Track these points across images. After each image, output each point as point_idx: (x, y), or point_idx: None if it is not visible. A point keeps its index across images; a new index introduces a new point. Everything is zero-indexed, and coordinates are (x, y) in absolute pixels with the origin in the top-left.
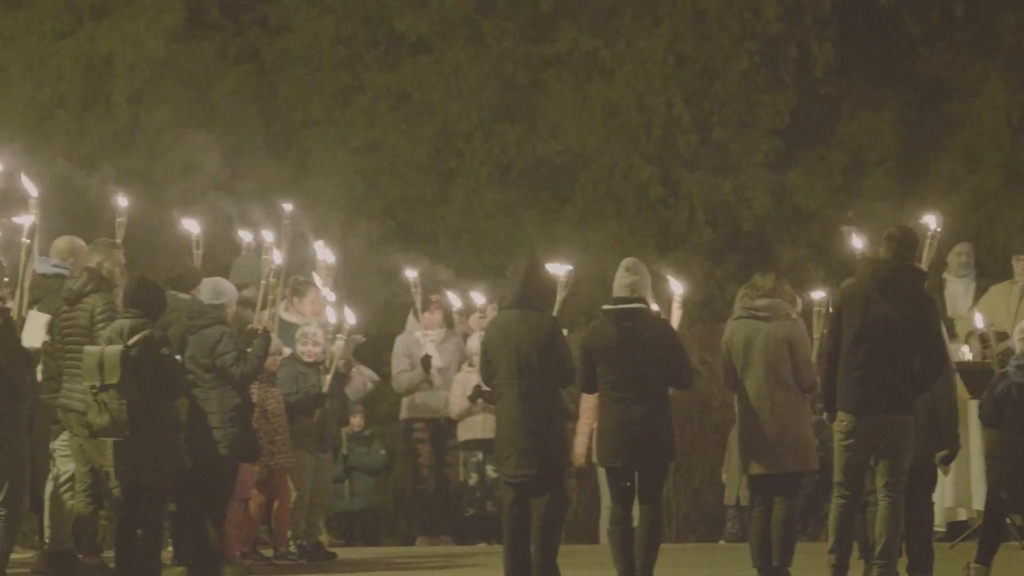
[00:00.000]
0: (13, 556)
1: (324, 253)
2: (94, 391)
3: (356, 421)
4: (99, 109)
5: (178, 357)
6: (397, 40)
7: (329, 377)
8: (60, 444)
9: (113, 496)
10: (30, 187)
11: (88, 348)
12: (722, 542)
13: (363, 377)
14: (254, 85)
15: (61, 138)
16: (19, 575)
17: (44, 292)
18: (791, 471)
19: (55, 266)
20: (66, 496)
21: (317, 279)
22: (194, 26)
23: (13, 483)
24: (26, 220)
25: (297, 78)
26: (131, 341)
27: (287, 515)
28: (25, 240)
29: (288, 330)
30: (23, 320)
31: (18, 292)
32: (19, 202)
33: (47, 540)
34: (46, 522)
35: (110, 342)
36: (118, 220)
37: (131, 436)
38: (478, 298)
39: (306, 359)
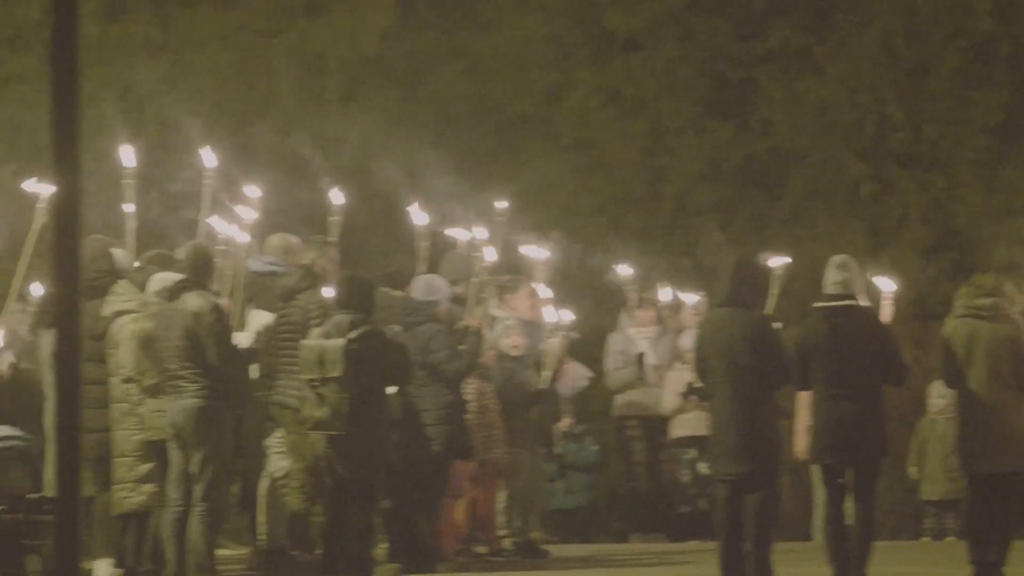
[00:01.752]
0: (227, 553)
1: (536, 251)
2: (314, 384)
3: (567, 420)
4: (311, 106)
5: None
6: (607, 37)
7: (546, 374)
8: (275, 441)
9: (326, 492)
10: (250, 189)
11: (306, 342)
12: (925, 539)
13: (576, 374)
14: (465, 83)
15: (273, 136)
16: (233, 572)
17: (258, 290)
18: (1014, 470)
19: (269, 264)
20: (281, 493)
21: (529, 277)
22: (406, 24)
23: (215, 478)
24: (245, 217)
25: (507, 76)
26: (353, 335)
27: (494, 512)
28: (242, 238)
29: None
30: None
31: (233, 290)
32: (235, 201)
33: (261, 537)
34: (260, 519)
35: (328, 337)
36: (331, 218)
37: (347, 431)
38: (689, 296)
39: (512, 353)
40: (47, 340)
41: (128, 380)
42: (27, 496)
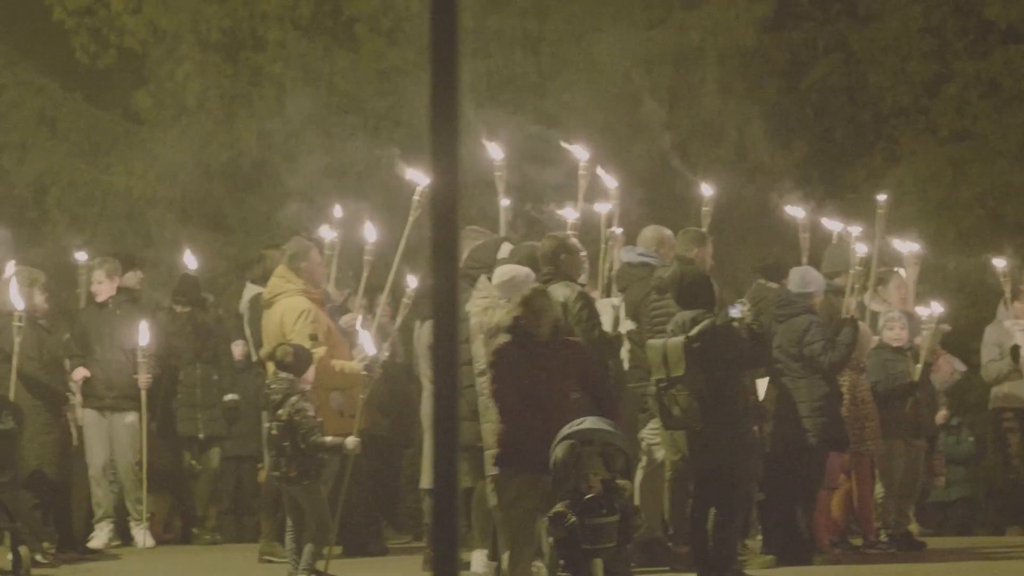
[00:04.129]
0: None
1: (908, 244)
2: (661, 385)
3: (942, 412)
4: (688, 98)
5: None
6: (987, 28)
7: (919, 366)
8: (649, 433)
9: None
10: (607, 179)
11: (651, 341)
12: None
13: (949, 367)
14: (843, 75)
15: (651, 127)
16: None
17: (630, 281)
18: None
19: (641, 255)
20: (656, 484)
21: (901, 269)
22: (784, 16)
23: None
24: (603, 208)
25: (886, 67)
26: (693, 332)
27: (870, 504)
28: (610, 230)
29: (874, 319)
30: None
31: (600, 280)
32: (600, 192)
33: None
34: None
35: (672, 334)
36: (704, 209)
37: (702, 426)
38: None
39: (893, 344)
40: (424, 331)
41: (482, 373)
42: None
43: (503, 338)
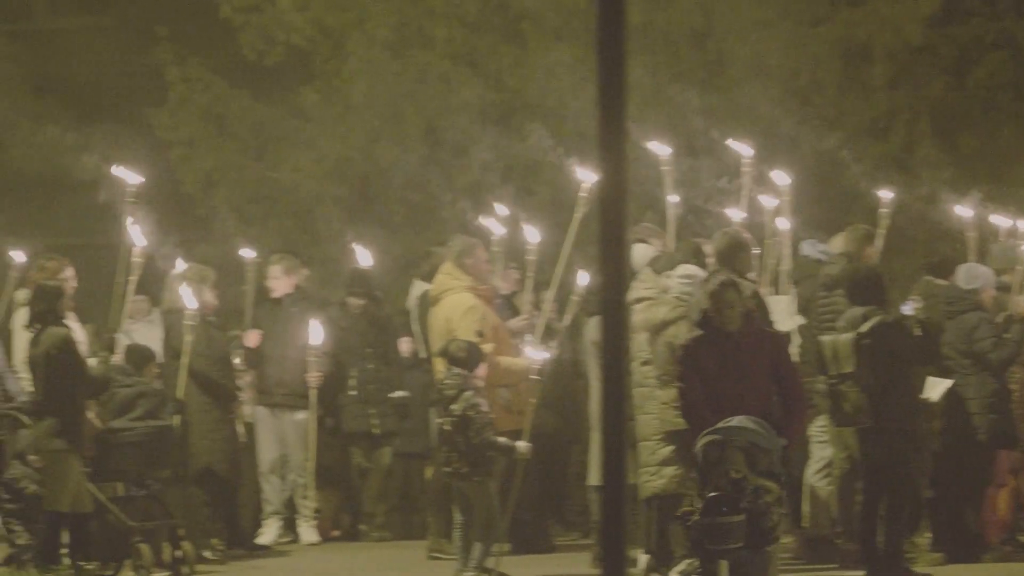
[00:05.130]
0: None
1: None
2: (831, 382)
3: None
4: (855, 95)
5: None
6: None
7: None
8: (816, 430)
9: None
10: (780, 177)
11: (823, 338)
12: None
13: None
14: (1010, 71)
15: (818, 124)
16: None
17: (804, 275)
18: None
19: (820, 251)
20: (824, 482)
21: None
22: (951, 12)
23: None
24: (770, 204)
25: None
26: (864, 328)
27: None
28: (782, 225)
29: None
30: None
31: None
32: (767, 188)
33: (805, 524)
34: (804, 507)
35: (843, 331)
36: (881, 211)
37: (872, 423)
38: None
39: None
40: (591, 328)
41: (645, 363)
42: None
43: (693, 333)
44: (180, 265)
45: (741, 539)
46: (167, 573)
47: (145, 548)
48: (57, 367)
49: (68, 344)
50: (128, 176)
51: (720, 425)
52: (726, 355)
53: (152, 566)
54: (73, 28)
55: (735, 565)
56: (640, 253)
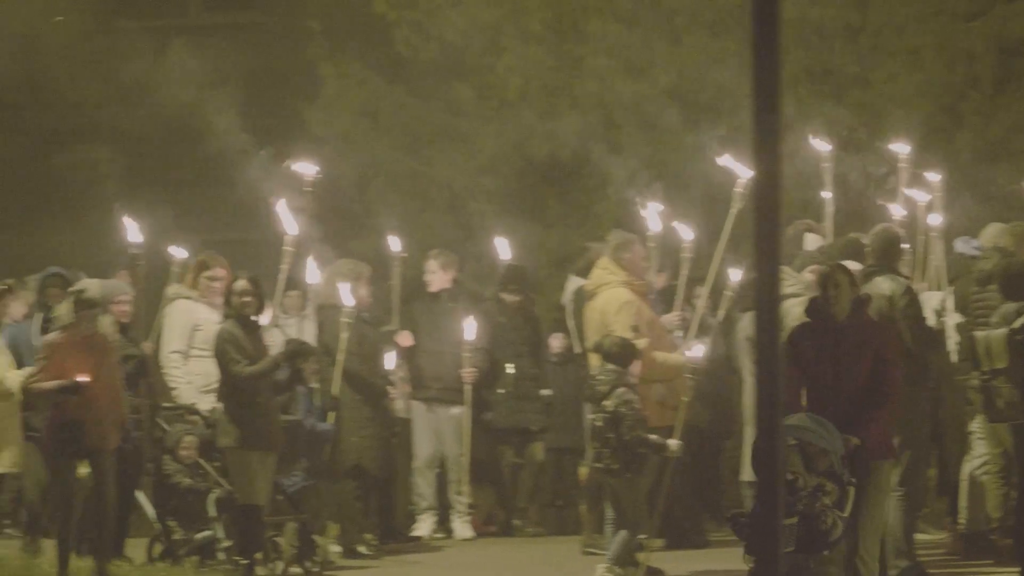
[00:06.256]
0: (925, 538)
1: None
2: (985, 377)
3: None
4: (1011, 91)
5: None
6: None
7: None
8: (976, 427)
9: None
10: (933, 173)
11: (976, 333)
12: None
13: None
14: None
15: (974, 119)
16: (932, 556)
17: (960, 272)
18: None
19: (974, 247)
20: (984, 479)
21: None
22: None
23: (913, 463)
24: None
25: None
26: (1017, 323)
27: None
28: (933, 220)
29: None
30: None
31: (923, 271)
32: (923, 183)
33: (962, 521)
34: (961, 503)
35: (996, 326)
36: None
37: None
38: None
39: None
40: (745, 323)
41: None
42: None
43: (799, 320)
44: (334, 261)
45: (792, 543)
46: (300, 568)
47: (282, 542)
48: (222, 362)
49: (232, 339)
50: (304, 168)
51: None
52: (826, 344)
53: (289, 561)
54: (227, 24)
55: (788, 570)
56: (810, 242)
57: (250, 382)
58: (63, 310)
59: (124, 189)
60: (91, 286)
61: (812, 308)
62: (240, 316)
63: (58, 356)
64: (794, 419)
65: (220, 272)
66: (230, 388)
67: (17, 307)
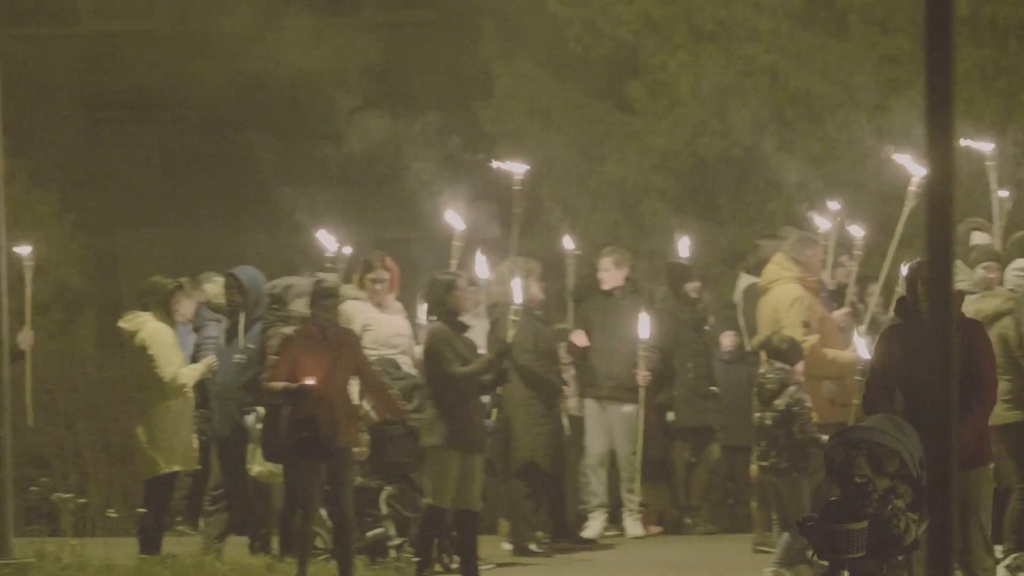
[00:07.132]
0: None
1: None
2: None
3: None
4: None
5: None
6: None
7: None
8: None
9: None
10: None
11: None
12: None
13: None
14: None
15: None
16: None
17: None
18: None
19: None
20: None
21: None
22: None
23: None
24: None
25: None
26: None
27: None
28: None
29: None
30: None
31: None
32: None
33: None
34: None
35: None
36: None
37: None
38: None
39: None
40: None
41: None
42: None
43: (890, 320)
44: (508, 260)
45: (863, 548)
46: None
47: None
48: (436, 361)
49: (445, 338)
50: (512, 168)
51: (851, 425)
52: (912, 342)
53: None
54: (400, 22)
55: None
56: (976, 241)
57: (464, 382)
58: (299, 305)
59: (305, 191)
60: (328, 277)
61: (900, 307)
62: (448, 316)
63: (290, 352)
64: (868, 421)
65: (383, 274)
66: (440, 388)
67: (187, 306)
